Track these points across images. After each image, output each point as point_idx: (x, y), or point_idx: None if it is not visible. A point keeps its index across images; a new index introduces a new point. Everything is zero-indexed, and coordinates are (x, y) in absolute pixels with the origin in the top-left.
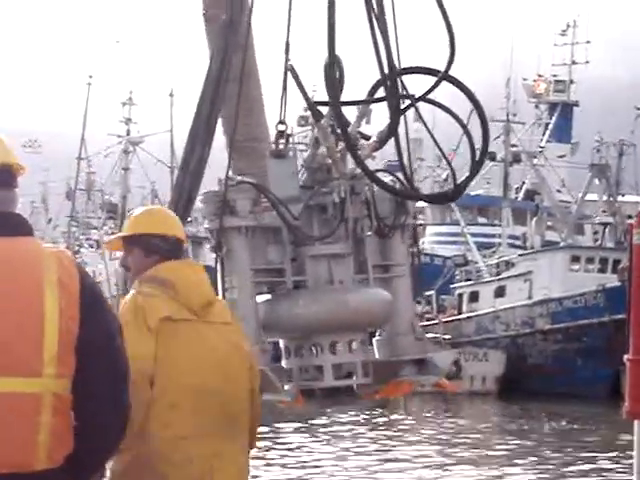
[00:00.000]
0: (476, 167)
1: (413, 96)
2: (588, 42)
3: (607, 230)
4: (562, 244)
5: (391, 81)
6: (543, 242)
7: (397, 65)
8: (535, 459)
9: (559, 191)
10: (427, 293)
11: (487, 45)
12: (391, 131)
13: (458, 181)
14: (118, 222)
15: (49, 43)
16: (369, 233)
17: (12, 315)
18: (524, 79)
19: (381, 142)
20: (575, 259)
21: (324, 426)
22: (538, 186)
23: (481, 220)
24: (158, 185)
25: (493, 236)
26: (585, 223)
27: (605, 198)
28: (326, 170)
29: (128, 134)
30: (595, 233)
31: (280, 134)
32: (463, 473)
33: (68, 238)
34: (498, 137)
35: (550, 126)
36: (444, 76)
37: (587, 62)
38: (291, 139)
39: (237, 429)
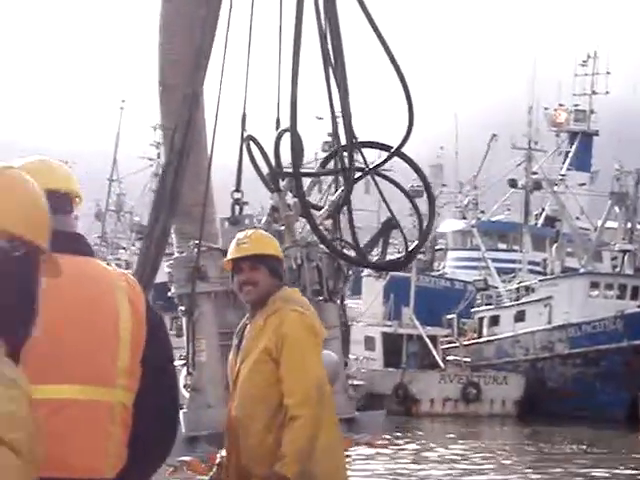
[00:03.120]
0: (424, 237)
1: (366, 169)
2: (608, 73)
3: (626, 257)
4: (582, 270)
5: (348, 154)
6: (563, 268)
7: (353, 138)
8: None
9: (578, 218)
10: (448, 317)
11: (509, 73)
12: (345, 200)
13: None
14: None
15: (83, 66)
16: (320, 298)
17: (92, 327)
18: (545, 108)
19: (335, 210)
20: (594, 285)
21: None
22: (558, 213)
23: (501, 246)
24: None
25: (513, 261)
26: (604, 250)
27: (624, 225)
28: (278, 236)
29: (159, 157)
30: (613, 259)
31: (236, 201)
32: None
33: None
34: (520, 164)
35: (570, 154)
36: (395, 152)
37: (607, 92)
38: (245, 207)
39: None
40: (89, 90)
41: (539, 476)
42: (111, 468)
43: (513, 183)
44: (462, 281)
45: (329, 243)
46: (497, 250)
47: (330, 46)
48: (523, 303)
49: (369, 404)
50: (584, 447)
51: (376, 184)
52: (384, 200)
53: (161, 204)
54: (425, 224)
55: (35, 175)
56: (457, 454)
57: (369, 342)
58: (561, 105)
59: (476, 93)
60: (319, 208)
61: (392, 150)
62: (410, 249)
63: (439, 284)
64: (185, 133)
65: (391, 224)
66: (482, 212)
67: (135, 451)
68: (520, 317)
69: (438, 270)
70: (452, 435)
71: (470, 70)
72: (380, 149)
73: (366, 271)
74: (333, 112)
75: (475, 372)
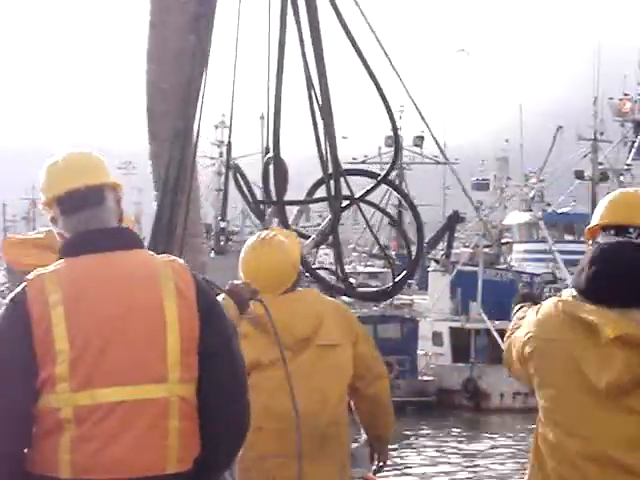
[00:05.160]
0: (413, 265)
1: (353, 197)
2: None
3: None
4: None
5: (334, 182)
6: None
7: (339, 166)
8: None
9: None
10: None
11: (574, 63)
12: (332, 229)
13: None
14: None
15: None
16: None
17: (136, 326)
18: (610, 98)
19: (322, 239)
20: None
21: None
22: None
23: (568, 237)
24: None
25: (580, 253)
26: None
27: None
28: None
29: (221, 156)
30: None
31: (221, 231)
32: None
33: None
34: (586, 156)
35: (636, 144)
36: (382, 180)
37: None
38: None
39: (324, 451)
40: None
41: None
42: (175, 462)
43: (579, 174)
44: (529, 274)
45: (315, 274)
46: (564, 242)
47: (314, 71)
48: None
49: (439, 400)
50: None
51: (362, 213)
52: (370, 228)
53: (158, 240)
54: (415, 252)
55: (56, 176)
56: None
57: (437, 337)
58: (626, 95)
59: (541, 84)
60: (307, 237)
61: (379, 178)
62: (397, 279)
63: (506, 277)
64: (178, 169)
65: (456, 218)
66: (548, 204)
67: (208, 440)
68: None
69: (504, 263)
70: (520, 429)
71: (535, 61)
72: (367, 177)
73: (432, 265)
74: (318, 140)
75: None
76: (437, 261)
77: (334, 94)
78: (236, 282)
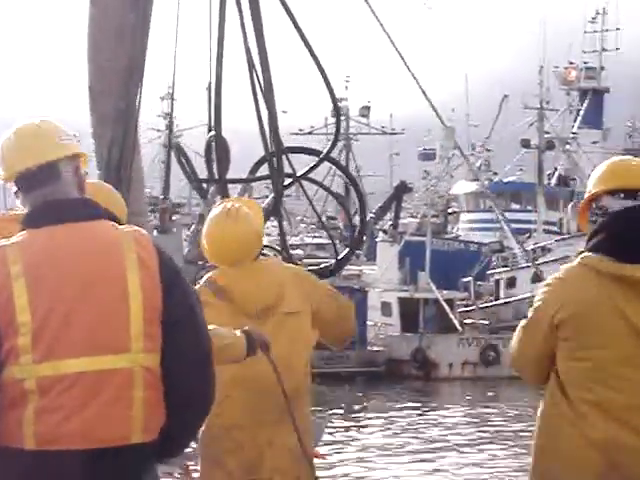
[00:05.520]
0: (355, 243)
1: (295, 175)
2: (618, 29)
3: None
4: None
5: (277, 160)
6: (578, 227)
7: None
8: None
9: None
10: (464, 279)
11: (519, 33)
12: (275, 207)
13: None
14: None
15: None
16: None
17: (99, 296)
18: (555, 67)
19: (266, 216)
20: None
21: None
22: (571, 172)
23: (514, 206)
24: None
25: (527, 222)
26: None
27: None
28: None
29: (166, 129)
30: None
31: (163, 210)
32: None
33: None
34: (532, 124)
35: (581, 112)
36: (325, 157)
37: (617, 49)
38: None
39: (287, 415)
40: None
41: None
42: (140, 432)
43: (526, 143)
44: (477, 243)
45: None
46: (511, 211)
47: (255, 49)
48: (540, 264)
49: (389, 370)
50: None
51: (304, 190)
52: (312, 206)
53: None
54: (357, 229)
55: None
56: (479, 417)
57: (386, 308)
58: (571, 63)
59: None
60: None
61: (321, 155)
62: (340, 257)
63: (453, 247)
64: (121, 149)
65: (404, 188)
66: (495, 173)
67: (172, 409)
68: (537, 278)
69: (451, 233)
70: (471, 398)
71: (480, 31)
72: (309, 154)
73: (380, 236)
74: (260, 119)
75: (493, 334)
76: (385, 231)
77: (277, 66)
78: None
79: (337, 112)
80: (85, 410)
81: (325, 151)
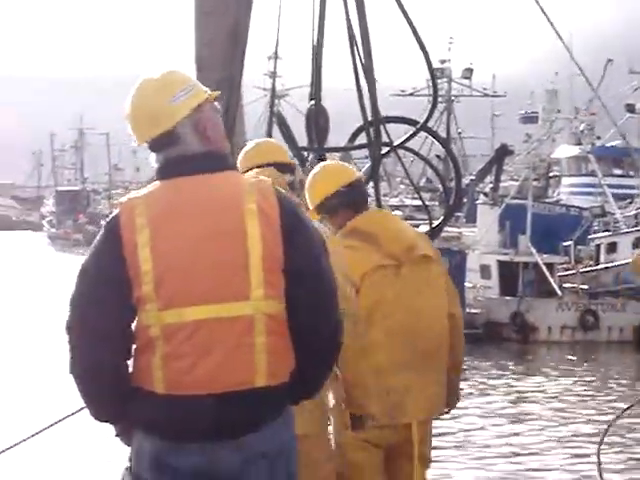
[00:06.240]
0: (449, 212)
1: (392, 144)
2: None
3: None
4: None
5: (374, 129)
6: None
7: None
8: None
9: None
10: (565, 244)
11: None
12: (372, 175)
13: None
14: None
15: None
16: None
17: (219, 246)
18: None
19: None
20: None
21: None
22: None
23: (616, 171)
24: (301, 137)
25: (631, 187)
26: None
27: None
28: None
29: (273, 88)
30: None
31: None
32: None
33: None
34: (637, 89)
35: None
36: (422, 127)
37: None
38: None
39: (429, 364)
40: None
41: None
42: (265, 376)
43: (630, 108)
44: (578, 207)
45: None
46: (613, 176)
47: (355, 21)
48: None
49: (487, 332)
50: None
51: (401, 161)
52: (408, 176)
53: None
54: (452, 199)
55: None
56: (578, 381)
57: (485, 270)
58: None
59: (592, 16)
60: None
61: (418, 126)
62: (434, 225)
63: (554, 211)
64: (225, 118)
65: (505, 151)
66: (598, 138)
67: (301, 354)
68: (639, 243)
69: (552, 197)
70: (570, 362)
71: None
72: (406, 124)
73: (481, 198)
74: (359, 88)
75: (593, 299)
76: (486, 194)
77: (378, 25)
78: None
79: (434, 83)
80: (208, 357)
81: (422, 121)
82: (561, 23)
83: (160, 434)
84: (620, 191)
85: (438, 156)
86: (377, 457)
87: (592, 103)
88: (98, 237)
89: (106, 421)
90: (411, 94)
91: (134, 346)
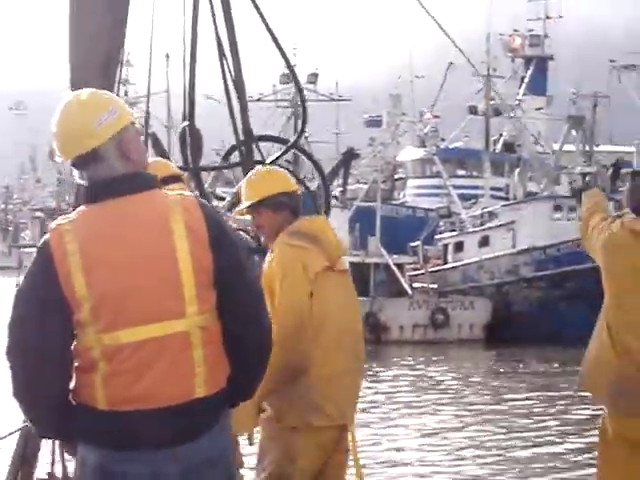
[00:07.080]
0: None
1: (264, 162)
2: None
3: (587, 179)
4: (545, 194)
5: (247, 147)
6: (525, 193)
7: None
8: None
9: (536, 143)
10: (412, 244)
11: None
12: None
13: None
14: None
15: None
16: None
17: (151, 266)
18: (500, 34)
19: (237, 200)
20: (557, 208)
21: None
22: (516, 138)
23: (460, 172)
24: None
25: (475, 187)
26: (563, 173)
27: (581, 148)
28: None
29: (126, 94)
30: (570, 183)
31: None
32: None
33: (57, 197)
34: (480, 91)
35: (526, 79)
36: (292, 145)
37: (560, 17)
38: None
39: (361, 363)
40: (44, 25)
41: (512, 393)
42: (204, 386)
43: (473, 109)
44: (424, 209)
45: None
46: (457, 177)
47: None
48: (487, 228)
49: None
50: (556, 365)
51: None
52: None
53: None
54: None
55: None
56: (433, 378)
57: None
58: (516, 31)
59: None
60: (223, 199)
61: (288, 144)
62: None
63: (402, 213)
64: None
65: (351, 154)
66: (442, 140)
67: (235, 360)
68: (484, 242)
69: (398, 199)
70: (423, 360)
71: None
72: (277, 142)
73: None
74: (231, 108)
75: (442, 298)
76: (336, 197)
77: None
78: None
79: (303, 101)
80: (149, 373)
81: (293, 140)
82: (404, 30)
83: (101, 444)
84: (465, 191)
85: (288, 161)
86: None
87: (434, 106)
88: (32, 261)
89: (51, 438)
90: (258, 99)
91: (75, 364)
